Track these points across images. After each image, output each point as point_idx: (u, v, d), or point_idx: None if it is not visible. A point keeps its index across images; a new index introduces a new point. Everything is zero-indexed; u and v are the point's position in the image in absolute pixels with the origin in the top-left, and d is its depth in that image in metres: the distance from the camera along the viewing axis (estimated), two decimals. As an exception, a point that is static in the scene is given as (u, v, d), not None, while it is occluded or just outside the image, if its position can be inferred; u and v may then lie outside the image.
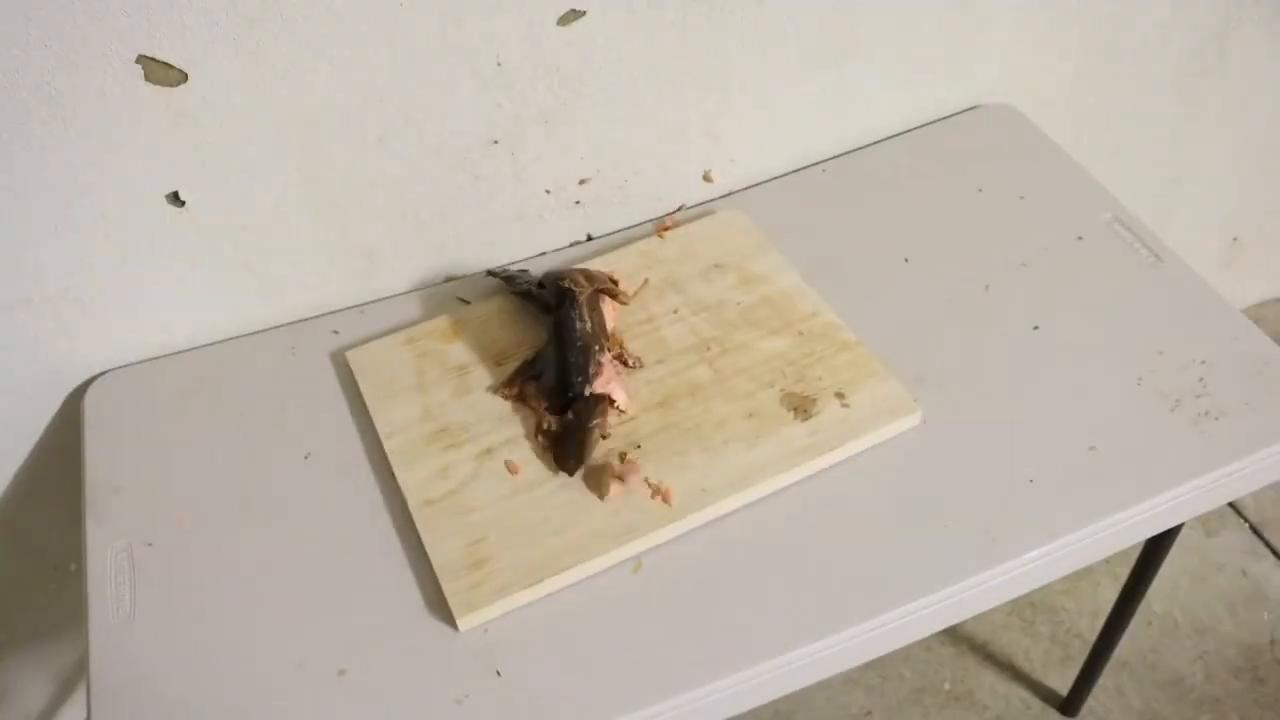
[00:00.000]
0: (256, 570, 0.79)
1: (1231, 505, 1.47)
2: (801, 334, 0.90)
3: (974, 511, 0.79)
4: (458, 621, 0.74)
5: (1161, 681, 1.31)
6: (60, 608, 1.07)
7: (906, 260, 0.97)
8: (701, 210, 1.04)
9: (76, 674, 1.14)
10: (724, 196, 1.06)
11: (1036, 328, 0.91)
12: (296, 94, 0.82)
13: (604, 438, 0.83)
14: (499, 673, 0.72)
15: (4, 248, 0.83)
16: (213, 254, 0.90)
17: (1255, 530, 1.45)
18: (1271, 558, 1.42)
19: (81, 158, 0.80)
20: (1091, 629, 1.29)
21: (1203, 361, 0.87)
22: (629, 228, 1.03)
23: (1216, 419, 0.83)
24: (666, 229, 1.00)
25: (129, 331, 0.92)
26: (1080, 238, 0.98)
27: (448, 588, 0.75)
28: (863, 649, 0.75)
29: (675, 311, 0.93)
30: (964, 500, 0.80)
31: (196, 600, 0.77)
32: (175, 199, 0.85)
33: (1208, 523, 1.45)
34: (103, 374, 0.92)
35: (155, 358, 0.93)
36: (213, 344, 0.94)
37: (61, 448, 0.94)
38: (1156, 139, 1.31)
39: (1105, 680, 1.27)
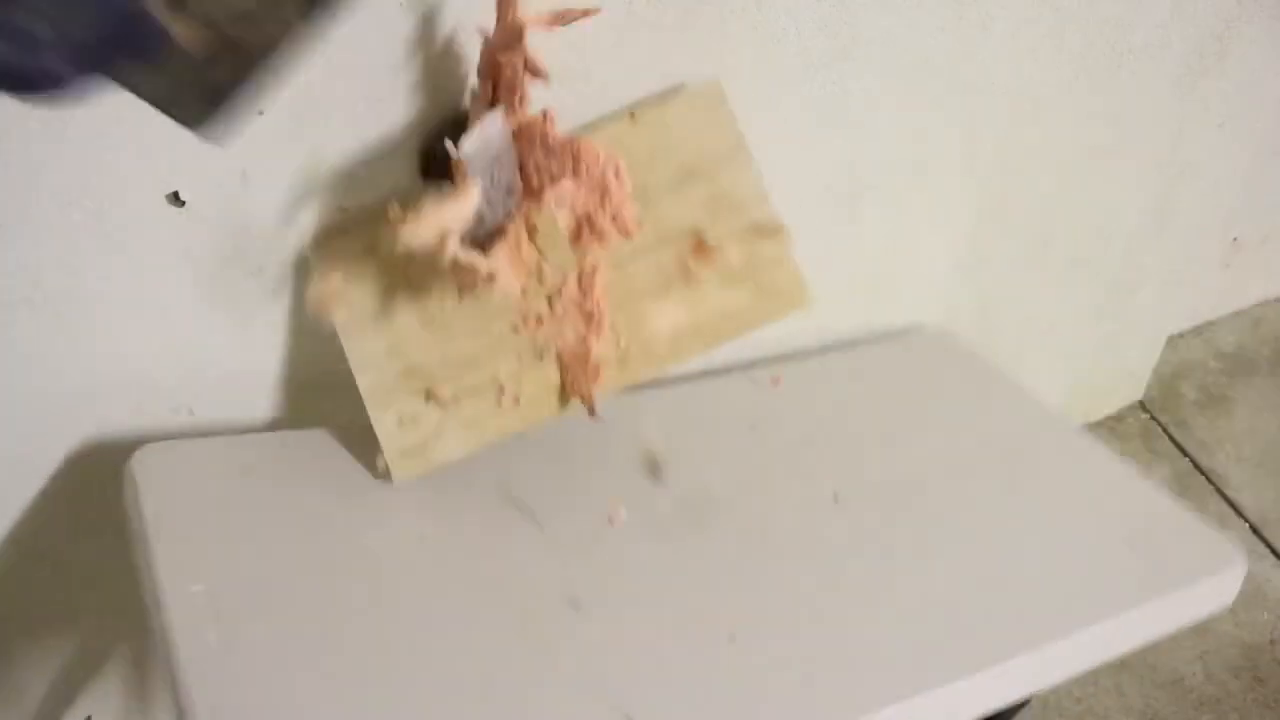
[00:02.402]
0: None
1: (1232, 505, 1.47)
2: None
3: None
4: None
5: (1161, 681, 1.31)
6: (60, 607, 1.07)
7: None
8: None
9: (77, 673, 1.14)
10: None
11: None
12: (295, 93, 0.83)
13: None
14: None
15: (4, 248, 0.83)
16: (213, 254, 0.90)
17: (1255, 530, 1.45)
18: (1271, 558, 1.42)
19: (81, 158, 0.80)
20: (1091, 629, 1.29)
21: None
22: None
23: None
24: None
25: (129, 332, 0.92)
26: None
27: None
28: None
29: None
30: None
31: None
32: (175, 199, 0.85)
33: (1207, 522, 1.45)
34: (145, 444, 0.86)
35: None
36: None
37: (60, 450, 0.94)
38: (1156, 139, 1.31)
39: (1105, 680, 1.27)
